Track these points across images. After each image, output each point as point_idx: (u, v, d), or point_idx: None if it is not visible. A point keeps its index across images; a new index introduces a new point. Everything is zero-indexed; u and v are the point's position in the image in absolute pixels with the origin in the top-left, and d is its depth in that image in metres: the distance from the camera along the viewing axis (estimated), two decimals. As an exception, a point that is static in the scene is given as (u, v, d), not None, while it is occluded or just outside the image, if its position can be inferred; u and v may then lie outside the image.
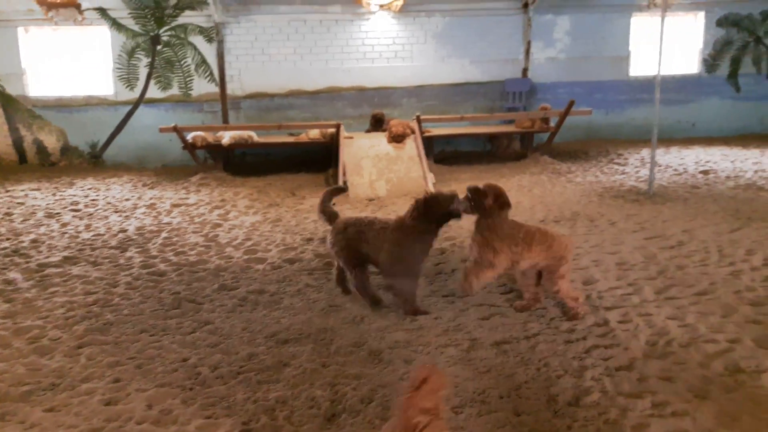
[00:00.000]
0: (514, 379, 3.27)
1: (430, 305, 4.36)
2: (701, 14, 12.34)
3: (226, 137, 9.84)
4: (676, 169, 9.37)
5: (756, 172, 8.97)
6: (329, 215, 4.67)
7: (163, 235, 6.52)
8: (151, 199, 8.42)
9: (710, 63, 12.57)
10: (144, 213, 7.62)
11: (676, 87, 12.35)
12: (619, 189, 8.15)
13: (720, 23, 12.39)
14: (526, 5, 11.52)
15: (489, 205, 4.01)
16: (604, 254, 5.37)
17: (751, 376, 3.22)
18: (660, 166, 9.53)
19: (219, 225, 6.90)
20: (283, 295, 4.65)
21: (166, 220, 7.24)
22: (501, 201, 4.05)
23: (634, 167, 9.66)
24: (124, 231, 6.71)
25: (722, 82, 12.65)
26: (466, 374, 3.34)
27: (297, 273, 5.16)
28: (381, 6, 11.13)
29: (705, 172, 9.05)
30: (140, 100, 11.29)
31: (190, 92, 11.33)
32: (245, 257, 5.64)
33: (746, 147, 11.17)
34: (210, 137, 10.03)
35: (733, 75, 12.65)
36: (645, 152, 10.71)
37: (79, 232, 6.71)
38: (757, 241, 5.60)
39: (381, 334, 3.89)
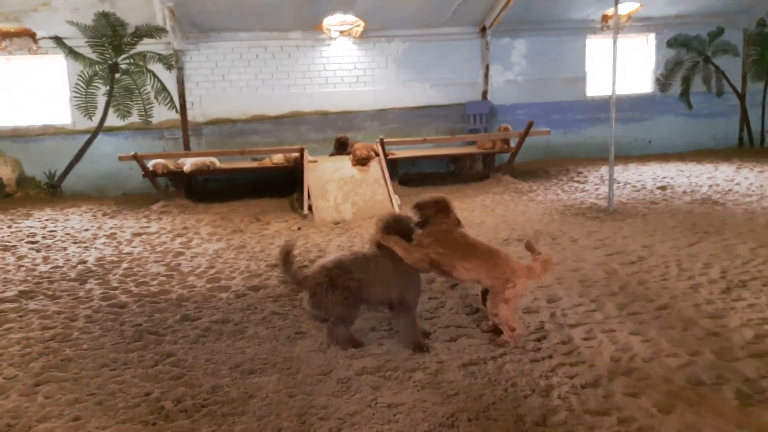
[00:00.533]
0: (482, 400, 3.27)
1: (391, 329, 4.35)
2: (652, 36, 12.78)
3: (188, 164, 9.73)
4: (634, 186, 9.60)
5: (710, 186, 9.25)
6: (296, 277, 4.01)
7: (124, 265, 6.38)
8: (111, 228, 8.25)
9: (663, 82, 13.00)
10: (104, 243, 7.45)
11: (632, 106, 12.72)
12: (579, 207, 8.31)
13: (670, 44, 12.85)
14: (483, 29, 11.76)
15: (433, 213, 4.07)
16: (566, 271, 5.45)
17: (713, 389, 3.28)
18: (619, 183, 9.76)
19: (181, 253, 6.79)
20: (247, 323, 4.57)
21: (127, 249, 7.09)
22: (442, 207, 4.10)
23: (593, 185, 9.87)
24: (83, 262, 6.54)
25: (675, 101, 13.08)
26: (435, 398, 3.32)
27: (262, 300, 5.09)
28: (341, 32, 11.23)
29: (662, 188, 9.30)
30: (99, 129, 11.11)
31: (150, 120, 11.20)
32: (208, 286, 5.55)
33: (700, 162, 11.53)
34: (171, 164, 9.91)
35: (684, 93, 13.10)
36: (604, 170, 10.96)
37: (36, 264, 6.52)
38: (714, 254, 5.76)
39: (348, 361, 3.85)
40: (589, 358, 3.71)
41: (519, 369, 3.61)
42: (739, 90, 13.27)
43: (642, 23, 12.44)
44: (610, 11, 11.94)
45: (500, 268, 3.90)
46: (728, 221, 7.05)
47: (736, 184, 9.35)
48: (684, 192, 8.94)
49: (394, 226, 4.04)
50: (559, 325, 4.24)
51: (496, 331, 4.12)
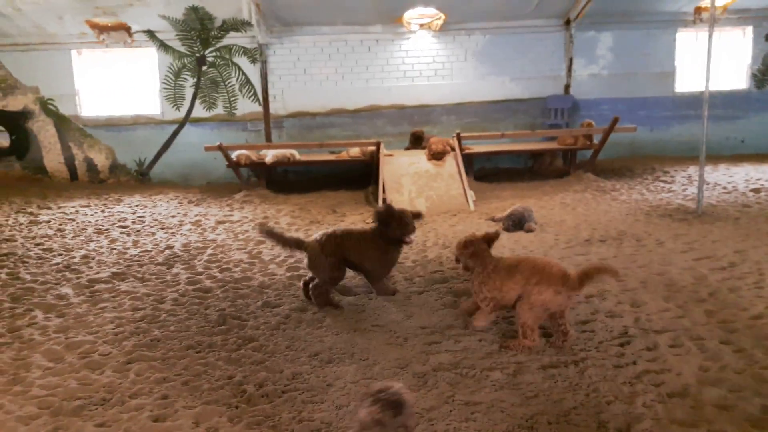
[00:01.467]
0: (563, 404, 3.20)
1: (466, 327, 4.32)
2: (749, 29, 12.05)
3: (269, 155, 10.00)
4: (725, 187, 9.11)
5: (810, 190, 8.66)
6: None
7: (209, 251, 6.64)
8: (196, 216, 8.59)
9: (759, 78, 12.24)
10: (189, 230, 7.77)
11: (724, 103, 12.04)
12: (666, 207, 7.96)
13: (769, 38, 12.07)
14: (568, 22, 11.44)
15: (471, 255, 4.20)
16: (651, 275, 5.24)
17: (814, 406, 3.08)
18: (708, 183, 9.28)
19: (262, 242, 6.98)
20: (325, 313, 4.67)
21: (211, 236, 7.36)
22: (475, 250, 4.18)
23: (681, 185, 9.43)
24: (170, 247, 6.85)
25: (772, 98, 12.29)
26: (513, 399, 3.28)
27: (339, 291, 5.17)
28: (421, 25, 11.20)
29: (756, 191, 8.77)
30: (186, 119, 11.58)
31: (234, 111, 11.57)
32: (288, 274, 5.69)
33: (799, 164, 10.80)
34: (253, 155, 10.20)
35: (783, 90, 12.29)
36: (692, 170, 10.45)
37: (127, 248, 6.88)
38: (814, 262, 5.39)
39: (425, 356, 3.86)
40: (676, 366, 3.56)
41: (602, 374, 3.51)
42: None
43: (738, 15, 11.73)
44: (704, 3, 11.34)
45: (537, 275, 3.81)
46: (831, 228, 6.58)
47: (841, 188, 8.71)
48: (781, 195, 8.41)
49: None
50: (643, 331, 4.09)
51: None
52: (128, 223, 8.25)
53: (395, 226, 4.68)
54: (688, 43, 11.93)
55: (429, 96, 11.66)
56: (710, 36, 7.06)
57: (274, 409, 3.27)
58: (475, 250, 4.11)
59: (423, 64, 11.57)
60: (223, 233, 7.52)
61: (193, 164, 11.57)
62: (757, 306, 4.47)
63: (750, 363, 3.58)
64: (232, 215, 8.55)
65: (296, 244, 4.90)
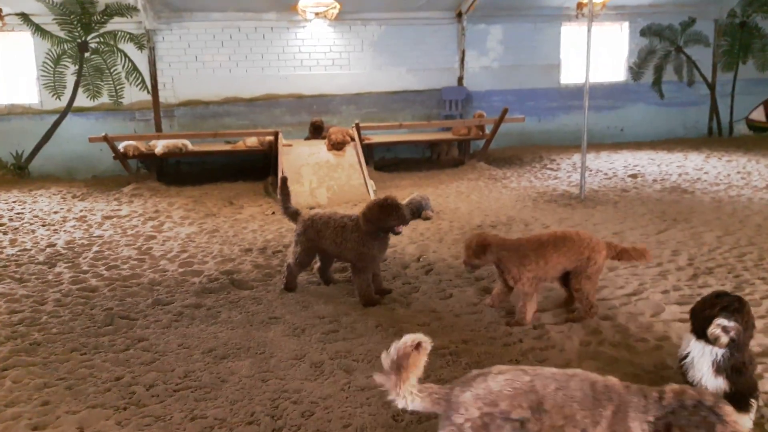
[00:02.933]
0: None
1: (373, 311, 4.37)
2: (626, 24, 12.90)
3: (159, 146, 9.59)
4: (606, 174, 9.74)
5: (680, 175, 9.43)
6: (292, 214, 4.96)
7: (95, 248, 6.29)
8: (81, 211, 8.11)
9: (636, 71, 13.14)
10: (74, 226, 7.32)
11: (605, 94, 12.85)
12: (552, 194, 8.40)
13: (643, 33, 12.98)
14: (459, 14, 11.74)
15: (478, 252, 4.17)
16: (539, 258, 5.51)
17: (677, 373, 3.37)
18: (591, 170, 9.88)
19: (153, 237, 6.71)
20: (220, 308, 4.56)
21: (98, 233, 6.98)
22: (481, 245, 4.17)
23: (566, 172, 9.98)
24: (52, 245, 6.42)
25: (647, 89, 13.25)
26: (407, 382, 3.36)
27: (235, 285, 5.06)
28: (317, 14, 11.11)
29: (633, 176, 9.44)
30: (68, 109, 10.86)
31: (121, 100, 10.98)
32: (181, 270, 5.50)
33: (671, 151, 11.72)
34: (142, 146, 9.74)
35: (657, 82, 13.27)
36: (576, 157, 11.08)
37: (3, 247, 6.39)
38: (682, 241, 5.89)
39: (321, 345, 3.87)
40: (559, 343, 3.78)
41: (490, 353, 3.67)
42: (709, 80, 13.50)
43: (616, 11, 12.53)
44: (585, -1, 12.03)
45: (578, 248, 3.97)
46: (696, 209, 7.20)
47: (705, 173, 9.54)
48: (654, 180, 9.10)
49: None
50: (535, 312, 4.31)
51: (509, 312, 4.27)
52: (4, 220, 7.64)
53: (394, 216, 4.43)
54: (572, 37, 12.59)
55: (327, 85, 11.61)
56: (589, 30, 7.49)
57: (164, 409, 3.17)
58: (489, 244, 4.06)
59: (320, 53, 11.50)
60: (110, 229, 7.14)
61: (77, 157, 10.89)
62: (632, 283, 4.82)
63: (625, 336, 3.87)
64: (120, 210, 8.13)
65: (292, 215, 4.94)
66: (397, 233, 4.53)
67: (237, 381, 3.43)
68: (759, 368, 3.40)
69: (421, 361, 2.28)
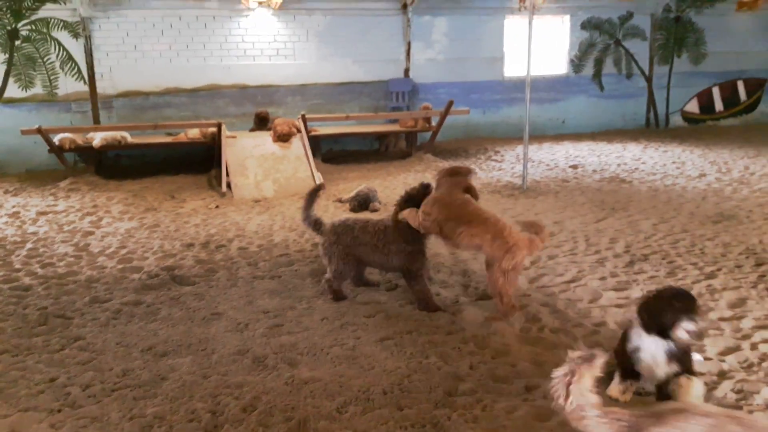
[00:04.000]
0: (398, 373, 3.34)
1: (319, 305, 4.35)
2: (567, 17, 13.17)
3: (97, 139, 9.25)
4: (548, 165, 9.96)
5: (619, 165, 9.73)
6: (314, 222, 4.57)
7: (28, 246, 6.03)
8: (14, 207, 7.76)
9: (576, 64, 13.45)
10: (6, 222, 7.00)
11: (547, 86, 13.11)
12: (496, 185, 8.54)
13: (584, 26, 13.29)
14: (405, 6, 11.76)
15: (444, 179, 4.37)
16: (482, 247, 5.60)
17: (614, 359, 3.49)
18: (533, 161, 10.08)
19: (91, 233, 6.49)
20: (160, 305, 4.45)
21: (32, 229, 6.70)
22: (453, 173, 4.39)
23: (510, 163, 10.16)
24: (-19, 243, 6.14)
25: (588, 82, 13.59)
26: (352, 372, 3.37)
27: (176, 281, 4.95)
28: (260, 3, 10.92)
29: (574, 167, 9.69)
30: (-2, 100, 10.36)
31: (55, 91, 10.54)
32: (120, 266, 5.34)
33: (610, 142, 12.07)
34: (79, 139, 9.39)
35: (597, 75, 13.62)
36: (520, 149, 11.26)
37: (-73, 246, 6.07)
38: (620, 229, 6.09)
39: (265, 339, 3.83)
40: (501, 330, 3.85)
41: (433, 342, 3.71)
42: (647, 73, 13.95)
43: (557, 5, 12.78)
44: (527, -8, 12.20)
45: (503, 238, 3.85)
46: (633, 198, 7.45)
47: (642, 163, 9.87)
48: (594, 170, 9.36)
49: (415, 197, 4.34)
50: (470, 300, 4.37)
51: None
52: (-71, 217, 7.26)
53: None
54: (515, 30, 12.77)
55: (272, 76, 11.44)
56: (530, 23, 7.61)
57: (101, 410, 3.08)
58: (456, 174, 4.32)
59: (264, 42, 11.31)
60: (45, 225, 6.87)
61: (8, 150, 10.39)
62: (571, 271, 4.96)
63: (564, 322, 3.97)
64: (56, 205, 7.83)
65: (314, 224, 4.58)
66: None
67: (177, 378, 3.36)
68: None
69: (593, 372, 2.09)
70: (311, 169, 8.88)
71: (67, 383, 3.35)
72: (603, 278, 4.78)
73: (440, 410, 2.98)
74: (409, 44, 12.02)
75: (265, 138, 9.49)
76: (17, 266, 5.40)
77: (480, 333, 3.82)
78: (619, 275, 4.84)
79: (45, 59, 10.40)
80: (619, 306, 4.22)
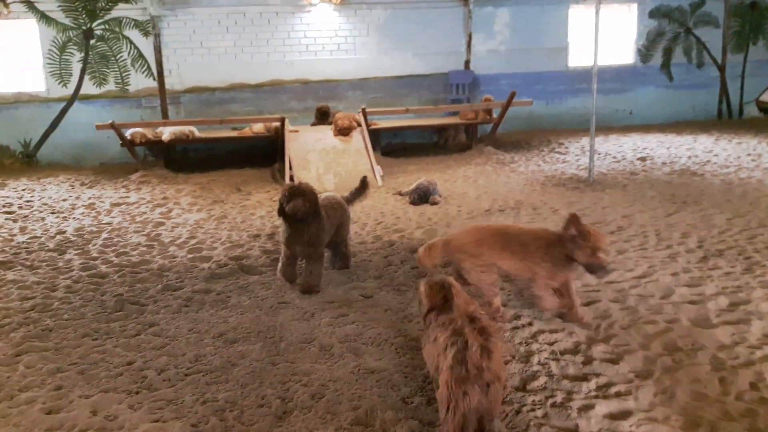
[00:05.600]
0: (464, 367, 3.31)
1: (382, 296, 4.37)
2: (634, 6, 12.74)
3: (166, 133, 9.58)
4: (615, 157, 9.67)
5: (689, 157, 9.35)
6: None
7: (104, 235, 6.31)
8: (89, 198, 8.13)
9: (644, 53, 13.00)
10: (83, 213, 7.35)
11: (613, 77, 12.73)
12: (560, 177, 8.36)
13: (652, 14, 12.82)
14: (466, -3, 11.64)
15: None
16: (547, 241, 5.49)
17: (689, 355, 3.36)
18: (599, 154, 9.81)
19: (161, 224, 6.73)
20: (229, 293, 4.57)
21: (107, 220, 7.00)
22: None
23: (574, 156, 9.92)
24: (62, 232, 6.45)
25: (656, 72, 13.11)
26: (415, 363, 3.37)
27: (244, 270, 5.08)
28: (322, -2, 11.05)
29: (642, 159, 9.37)
30: (75, 97, 10.86)
31: (127, 87, 10.97)
32: (190, 256, 5.52)
33: (680, 134, 11.62)
34: (149, 133, 9.75)
35: (666, 64, 13.13)
36: (585, 141, 10.99)
37: (14, 234, 6.42)
38: (692, 224, 5.85)
39: (331, 329, 3.88)
40: (569, 326, 3.77)
41: (500, 336, 3.66)
42: (719, 62, 13.34)
43: (624, -7, 12.40)
44: (593, -20, 11.87)
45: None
46: (706, 192, 7.15)
47: (715, 155, 9.46)
48: (663, 163, 9.02)
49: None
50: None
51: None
52: (14, 208, 7.68)
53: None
54: (580, 19, 12.45)
55: (333, 70, 11.56)
56: (597, 12, 7.40)
57: (176, 393, 3.19)
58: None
59: (325, 38, 11.43)
60: (119, 216, 7.16)
61: (84, 144, 10.91)
62: (641, 266, 4.80)
63: (635, 319, 3.85)
64: (128, 197, 8.16)
65: None
66: None
67: (247, 364, 3.44)
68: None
69: None
70: (371, 163, 8.92)
71: (143, 367, 3.48)
72: (675, 274, 4.60)
73: (508, 406, 2.94)
74: (470, 36, 11.89)
75: (326, 132, 9.59)
76: (94, 255, 5.65)
77: (546, 328, 3.75)
78: (692, 271, 4.65)
79: (117, 57, 10.84)
80: (692, 302, 4.06)
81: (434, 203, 7.17)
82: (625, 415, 2.85)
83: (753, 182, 7.55)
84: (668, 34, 12.99)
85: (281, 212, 4.43)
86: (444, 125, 11.30)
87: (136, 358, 3.58)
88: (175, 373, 3.40)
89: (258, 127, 9.95)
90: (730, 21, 13.15)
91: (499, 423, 2.73)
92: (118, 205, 7.73)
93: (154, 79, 10.97)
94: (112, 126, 9.20)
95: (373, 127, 10.03)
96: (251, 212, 7.13)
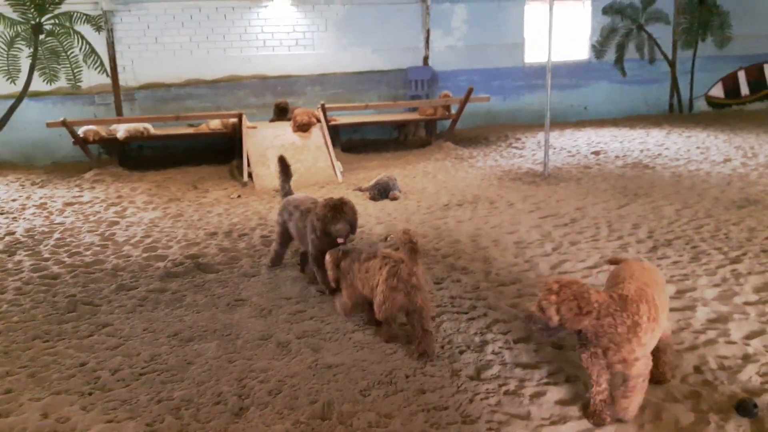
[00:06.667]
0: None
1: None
2: (588, 2, 13.00)
3: (121, 131, 9.38)
4: (569, 151, 9.87)
5: (642, 151, 9.60)
6: None
7: (56, 236, 6.16)
8: (41, 198, 7.91)
9: (598, 49, 13.27)
10: (34, 214, 7.15)
11: (568, 72, 12.97)
12: (517, 172, 8.49)
13: (605, 11, 13.10)
14: (424, -7, 11.70)
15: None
16: (503, 234, 5.60)
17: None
18: (555, 148, 10.00)
19: (116, 223, 6.60)
20: (185, 292, 4.52)
21: (59, 220, 6.83)
22: None
23: (531, 150, 10.08)
24: (11, 233, 6.27)
25: (610, 67, 13.41)
26: (374, 357, 3.40)
27: (200, 269, 5.02)
28: (279, -7, 10.95)
29: (596, 153, 9.59)
30: (24, 94, 10.53)
31: (79, 84, 10.69)
32: (145, 255, 5.43)
33: (633, 128, 11.92)
34: (103, 131, 9.52)
35: (619, 60, 13.43)
36: (541, 136, 11.17)
37: (-41, 237, 6.22)
38: (642, 215, 6.03)
39: (288, 325, 3.88)
40: (522, 315, 3.84)
41: (455, 327, 3.72)
42: (670, 57, 13.72)
43: (579, -10, 12.63)
44: (548, -23, 12.06)
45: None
46: (657, 184, 7.37)
47: (666, 148, 9.74)
48: (616, 156, 9.25)
49: None
50: (492, 286, 4.37)
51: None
52: (-41, 209, 7.42)
53: None
54: (535, 16, 12.63)
55: (292, 66, 11.47)
56: (551, 8, 7.53)
57: (130, 393, 3.15)
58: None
59: (283, 33, 11.34)
60: (72, 216, 6.99)
61: (35, 143, 10.59)
62: (593, 256, 4.93)
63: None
64: (81, 196, 7.96)
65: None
66: None
67: (203, 363, 3.42)
68: (713, 334, 3.53)
69: None
70: (331, 159, 8.91)
71: (96, 368, 3.42)
72: (626, 264, 4.73)
73: (462, 395, 3.00)
74: (428, 32, 11.96)
75: (285, 128, 9.53)
76: (46, 255, 5.51)
77: (501, 318, 3.82)
78: (642, 260, 4.79)
79: (68, 53, 10.54)
80: (642, 291, 4.19)
81: (394, 199, 7.21)
82: (575, 400, 2.93)
83: (701, 174, 7.81)
84: (621, 30, 13.29)
85: (323, 232, 4.11)
86: (404, 121, 11.35)
87: (89, 359, 3.52)
88: (129, 373, 3.36)
89: (215, 124, 9.82)
90: (679, 17, 13.53)
91: (430, 322, 3.48)
92: (71, 204, 7.55)
93: (107, 75, 10.72)
94: (64, 124, 8.96)
95: (332, 123, 10.01)
96: (208, 210, 7.05)
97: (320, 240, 4.18)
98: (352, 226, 4.16)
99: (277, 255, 4.97)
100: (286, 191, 5.00)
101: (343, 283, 3.86)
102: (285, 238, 4.83)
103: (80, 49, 10.57)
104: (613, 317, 2.56)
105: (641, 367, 2.62)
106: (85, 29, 10.52)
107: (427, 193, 7.47)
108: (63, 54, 10.54)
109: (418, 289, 3.40)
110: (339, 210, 4.07)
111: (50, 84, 10.58)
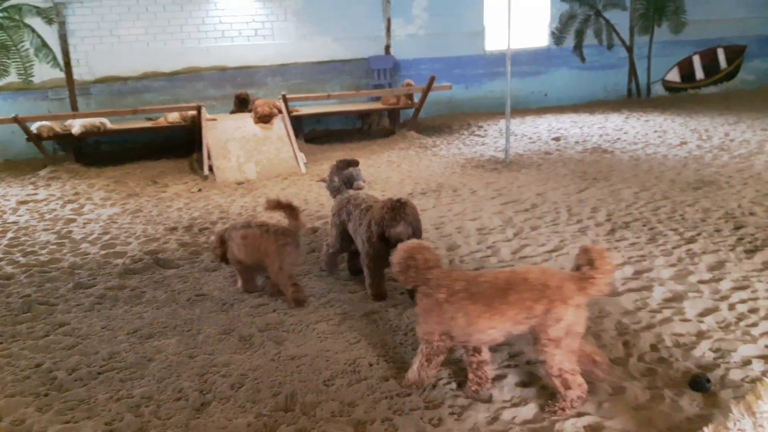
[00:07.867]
0: (383, 346, 3.37)
1: (304, 283, 4.36)
2: (547, -11, 13.11)
3: (76, 126, 9.13)
4: (530, 138, 9.97)
5: (601, 136, 9.76)
6: None
7: (9, 235, 5.98)
8: (-7, 197, 7.68)
9: (558, 36, 13.41)
10: (-15, 213, 6.93)
11: (529, 59, 13.08)
12: (479, 159, 8.55)
13: (564, -2, 13.24)
14: (384, -18, 11.64)
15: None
16: (465, 221, 5.63)
17: (595, 322, 3.54)
18: (516, 135, 10.09)
19: (73, 220, 6.44)
20: (144, 288, 4.44)
21: (12, 219, 6.63)
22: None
23: (493, 138, 10.16)
24: (-39, 234, 6.07)
25: (569, 54, 13.55)
26: (338, 347, 3.39)
27: (160, 264, 4.94)
28: (237, -17, 10.77)
29: (556, 139, 9.71)
30: (-28, 90, 10.18)
31: (31, 79, 10.37)
32: (103, 252, 5.32)
33: (593, 113, 12.10)
34: (58, 127, 9.27)
35: (578, 47, 13.59)
36: (503, 123, 11.24)
37: None
38: (601, 199, 6.13)
39: (251, 318, 3.85)
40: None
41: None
42: (627, 43, 13.94)
43: (537, -23, 12.71)
44: (506, -35, 12.10)
45: (532, 297, 2.69)
46: (615, 168, 7.50)
47: (624, 133, 9.91)
48: (576, 142, 9.39)
49: None
50: (457, 272, 4.40)
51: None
52: None
53: None
54: (495, 3, 12.67)
55: (251, 57, 11.31)
56: (509, -4, 7.57)
57: (88, 392, 3.09)
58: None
59: (242, 23, 11.16)
60: (26, 214, 6.80)
61: (-14, 140, 10.25)
62: (553, 240, 5.00)
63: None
64: (36, 194, 7.74)
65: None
66: None
67: (164, 359, 3.37)
68: (668, 312, 3.61)
69: None
70: (294, 150, 8.83)
71: (53, 368, 3.34)
72: (585, 247, 4.81)
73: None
74: (389, 20, 11.91)
75: (246, 120, 9.41)
76: (-1, 256, 5.36)
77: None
78: (600, 243, 4.88)
79: (19, 46, 10.21)
80: (601, 273, 4.26)
81: (358, 189, 7.18)
82: (534, 382, 2.97)
83: (658, 157, 7.97)
84: (579, 16, 13.44)
85: (380, 237, 3.71)
86: (367, 111, 11.31)
87: (45, 360, 3.44)
88: (87, 372, 3.29)
89: (173, 117, 9.64)
90: (635, 3, 13.74)
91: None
92: (26, 202, 7.33)
93: (60, 69, 10.42)
94: (16, 120, 8.69)
95: (294, 113, 9.93)
96: (168, 205, 6.93)
97: (375, 245, 3.76)
98: (415, 231, 3.69)
99: (332, 260, 4.47)
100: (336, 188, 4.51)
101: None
102: (343, 240, 4.25)
103: (31, 42, 10.25)
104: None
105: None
106: (36, 22, 10.20)
107: (392, 182, 7.47)
108: (13, 48, 10.21)
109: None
110: (399, 211, 3.64)
111: (0, 79, 10.23)
